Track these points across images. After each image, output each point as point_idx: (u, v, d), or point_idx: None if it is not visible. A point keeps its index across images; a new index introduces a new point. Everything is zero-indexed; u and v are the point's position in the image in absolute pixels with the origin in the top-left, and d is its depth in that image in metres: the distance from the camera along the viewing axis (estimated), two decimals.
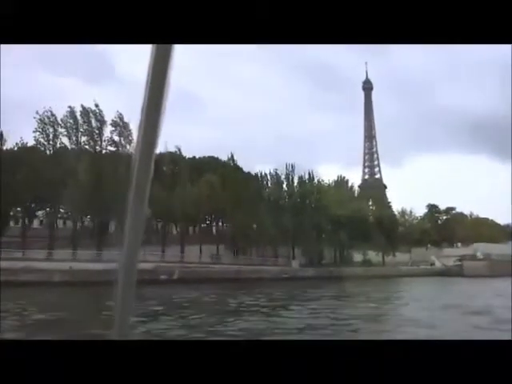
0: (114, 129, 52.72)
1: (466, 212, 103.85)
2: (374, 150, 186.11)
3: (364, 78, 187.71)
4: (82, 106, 51.89)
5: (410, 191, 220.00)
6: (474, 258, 66.97)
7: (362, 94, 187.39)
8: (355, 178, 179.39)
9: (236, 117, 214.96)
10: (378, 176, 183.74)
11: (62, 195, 46.06)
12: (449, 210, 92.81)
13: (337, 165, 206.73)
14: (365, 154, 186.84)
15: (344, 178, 76.61)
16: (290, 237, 59.85)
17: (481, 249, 68.57)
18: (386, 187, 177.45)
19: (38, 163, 44.51)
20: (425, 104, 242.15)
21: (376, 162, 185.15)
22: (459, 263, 66.45)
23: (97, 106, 52.11)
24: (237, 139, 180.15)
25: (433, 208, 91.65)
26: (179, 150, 59.95)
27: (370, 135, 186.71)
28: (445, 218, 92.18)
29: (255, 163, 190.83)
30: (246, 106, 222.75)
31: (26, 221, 53.14)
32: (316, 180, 70.68)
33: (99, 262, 45.44)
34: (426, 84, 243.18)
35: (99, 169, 48.61)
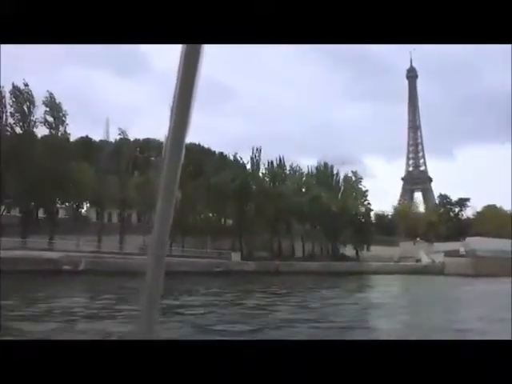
0: (47, 109, 50.78)
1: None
2: (419, 140, 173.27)
3: (408, 66, 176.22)
4: (12, 84, 50.41)
5: (455, 184, 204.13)
6: (458, 254, 57.67)
7: (405, 83, 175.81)
8: (399, 170, 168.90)
9: (273, 106, 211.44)
10: (422, 168, 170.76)
11: None
12: (461, 201, 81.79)
13: (379, 156, 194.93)
14: (409, 145, 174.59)
15: (327, 164, 69.32)
16: (234, 227, 54.66)
17: (472, 244, 58.82)
18: (431, 180, 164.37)
19: None
20: (471, 90, 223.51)
21: (421, 154, 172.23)
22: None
23: (26, 85, 50.44)
24: (276, 130, 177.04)
25: (444, 199, 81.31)
26: (123, 132, 57.02)
27: (414, 125, 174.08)
28: (458, 210, 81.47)
29: (295, 155, 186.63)
30: (284, 96, 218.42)
31: None
32: (288, 166, 64.73)
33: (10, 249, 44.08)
34: (472, 68, 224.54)
35: (21, 152, 46.95)
